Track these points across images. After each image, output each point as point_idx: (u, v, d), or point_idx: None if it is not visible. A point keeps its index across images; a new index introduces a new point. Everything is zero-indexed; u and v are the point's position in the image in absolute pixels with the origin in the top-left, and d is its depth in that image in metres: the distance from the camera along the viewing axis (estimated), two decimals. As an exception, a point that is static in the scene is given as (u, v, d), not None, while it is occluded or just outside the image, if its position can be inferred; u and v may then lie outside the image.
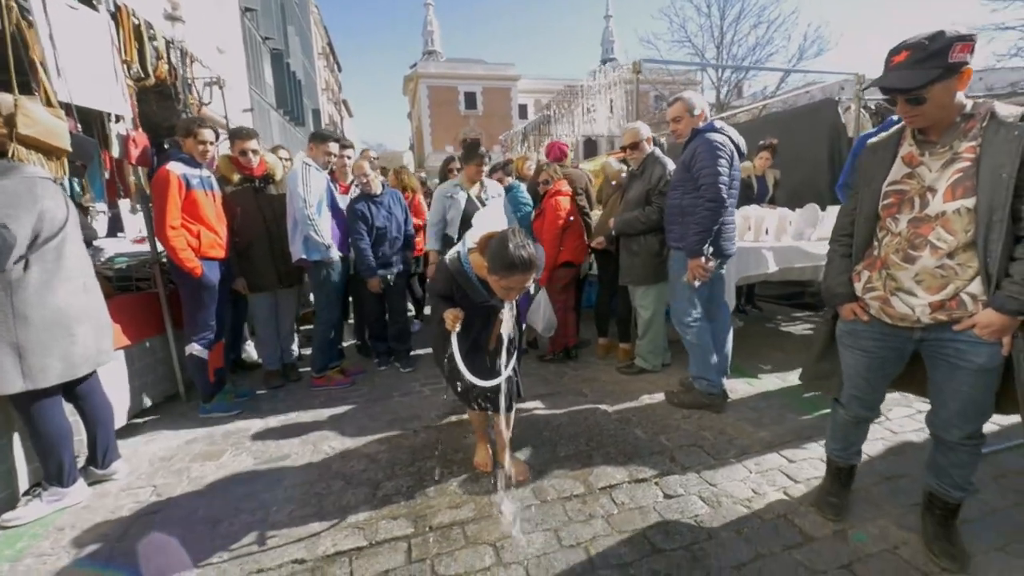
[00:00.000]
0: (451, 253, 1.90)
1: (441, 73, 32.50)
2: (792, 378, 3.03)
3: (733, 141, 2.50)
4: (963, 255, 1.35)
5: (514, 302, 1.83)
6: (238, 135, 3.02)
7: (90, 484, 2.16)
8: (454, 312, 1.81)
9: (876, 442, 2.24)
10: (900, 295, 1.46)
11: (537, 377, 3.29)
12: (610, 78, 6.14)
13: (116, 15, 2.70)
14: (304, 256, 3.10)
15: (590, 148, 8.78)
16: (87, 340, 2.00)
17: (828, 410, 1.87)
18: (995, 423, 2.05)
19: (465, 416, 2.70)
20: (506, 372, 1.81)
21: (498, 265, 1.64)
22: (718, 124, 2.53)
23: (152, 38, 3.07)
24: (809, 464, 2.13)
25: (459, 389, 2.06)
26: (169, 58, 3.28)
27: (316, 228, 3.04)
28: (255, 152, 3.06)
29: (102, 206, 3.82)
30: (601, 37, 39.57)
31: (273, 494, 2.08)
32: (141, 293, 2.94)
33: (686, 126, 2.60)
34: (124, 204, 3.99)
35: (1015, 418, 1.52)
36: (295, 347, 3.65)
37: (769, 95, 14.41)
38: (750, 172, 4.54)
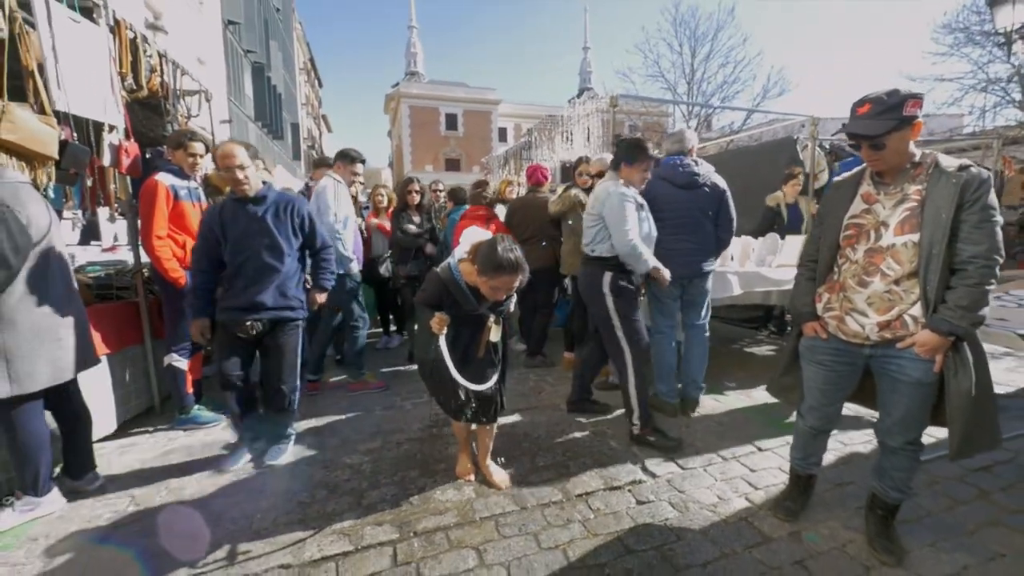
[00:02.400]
0: (442, 264, 2.02)
1: (423, 94, 33.01)
2: (755, 395, 3.24)
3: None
4: (907, 282, 1.56)
5: (500, 315, 1.96)
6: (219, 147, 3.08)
7: (65, 494, 2.12)
8: (440, 316, 1.89)
9: (829, 453, 2.40)
10: (854, 315, 1.66)
11: (516, 393, 3.39)
12: (588, 108, 6.47)
13: (115, 28, 2.76)
14: None
15: (567, 174, 9.13)
16: (73, 345, 2.00)
17: (787, 425, 2.05)
18: (931, 435, 2.27)
19: (447, 429, 2.77)
20: (495, 377, 1.92)
21: (487, 266, 1.77)
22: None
23: (147, 52, 3.13)
24: (768, 473, 2.29)
25: (444, 400, 2.15)
26: (162, 71, 3.33)
27: (343, 241, 3.18)
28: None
29: (77, 213, 3.78)
30: (579, 67, 41.16)
31: (255, 504, 2.10)
32: (121, 302, 2.92)
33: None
34: (103, 212, 3.94)
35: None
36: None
37: (736, 130, 15.29)
38: (779, 200, 4.79)
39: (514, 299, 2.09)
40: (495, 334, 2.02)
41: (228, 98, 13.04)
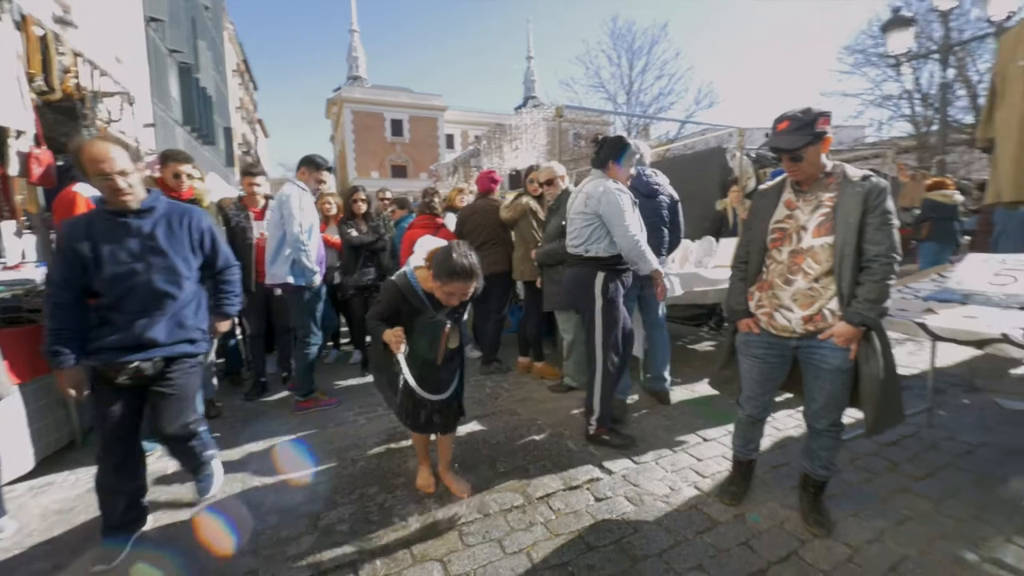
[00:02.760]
0: (397, 273, 2.00)
1: (366, 99, 32.27)
2: (699, 389, 3.44)
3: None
4: (825, 279, 1.74)
5: (457, 322, 1.97)
6: (174, 157, 2.88)
7: (-32, 545, 1.88)
8: (394, 332, 1.86)
9: (765, 439, 2.62)
10: (781, 311, 1.83)
11: (473, 400, 3.39)
12: (535, 117, 6.63)
13: (21, 24, 2.51)
14: (290, 280, 3.09)
15: (515, 181, 9.28)
16: None
17: (727, 415, 2.20)
18: (849, 416, 2.52)
19: (404, 442, 2.73)
20: (454, 385, 1.93)
21: (443, 272, 1.79)
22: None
23: (60, 50, 2.87)
24: (714, 462, 2.45)
25: (405, 413, 2.12)
26: (78, 72, 3.07)
27: (308, 253, 3.04)
28: (190, 177, 2.93)
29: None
30: (524, 76, 41.93)
31: (198, 539, 1.97)
32: (33, 326, 2.63)
33: (557, 188, 3.41)
34: (7, 226, 3.54)
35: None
36: (215, 381, 3.42)
37: (671, 139, 16.18)
38: (726, 205, 5.11)
39: (469, 306, 2.11)
40: (453, 340, 2.03)
41: (152, 100, 12.10)
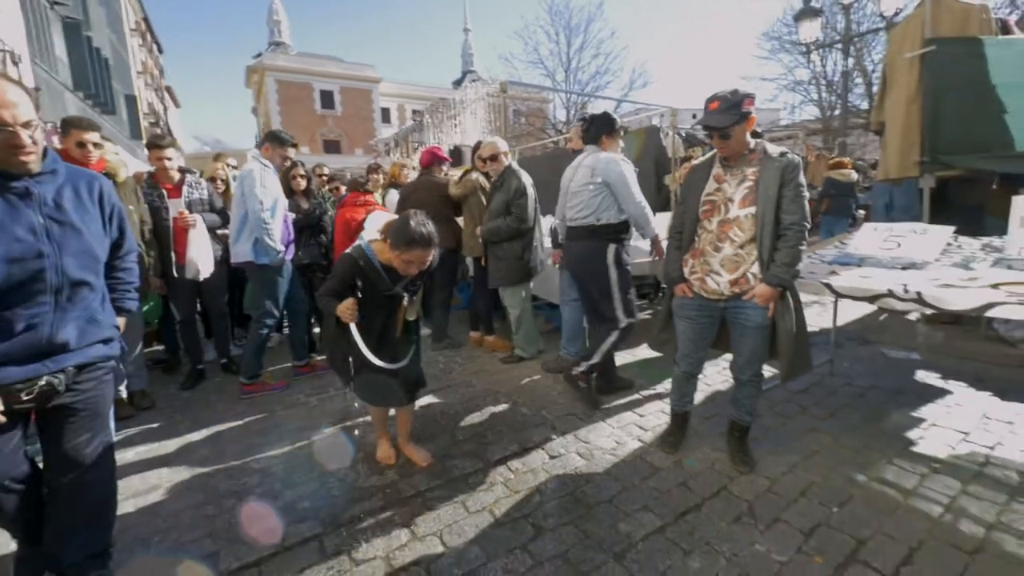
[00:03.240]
0: (353, 245, 1.98)
1: (292, 67, 29.96)
2: (640, 352, 3.69)
3: None
4: (749, 246, 1.94)
5: (414, 294, 1.99)
6: (76, 124, 2.55)
7: None
8: (346, 304, 1.86)
9: (698, 394, 2.90)
10: (712, 276, 2.02)
11: (428, 375, 3.39)
12: (479, 92, 6.55)
13: None
14: (252, 259, 3.03)
15: (456, 156, 9.16)
16: None
17: (664, 373, 2.41)
18: (769, 371, 2.85)
19: (360, 420, 2.73)
20: (410, 354, 1.97)
21: (400, 240, 1.80)
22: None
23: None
24: (654, 416, 2.69)
25: (362, 387, 2.13)
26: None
27: (270, 232, 2.95)
28: (96, 146, 2.62)
29: None
30: (461, 49, 40.69)
31: (152, 524, 1.90)
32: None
33: (500, 164, 3.44)
34: None
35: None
36: (143, 370, 3.18)
37: (609, 118, 16.57)
38: (675, 181, 5.35)
39: (426, 278, 2.13)
40: (411, 313, 2.05)
41: (32, 60, 10.50)
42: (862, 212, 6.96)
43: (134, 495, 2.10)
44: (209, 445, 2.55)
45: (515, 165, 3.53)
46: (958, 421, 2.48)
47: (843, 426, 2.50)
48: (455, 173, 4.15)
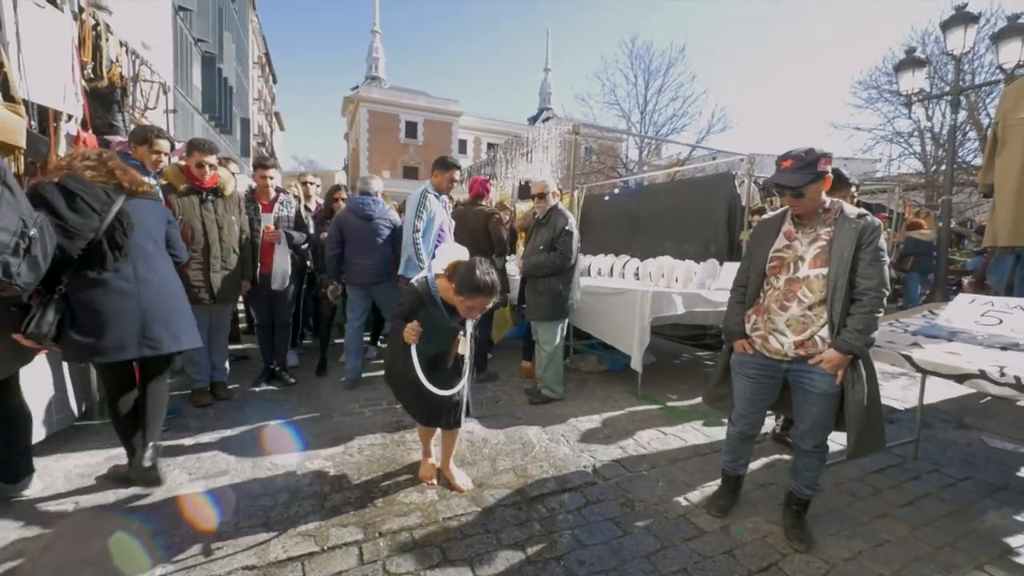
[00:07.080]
0: (419, 277, 2.13)
1: (383, 99, 32.68)
2: (694, 405, 3.54)
3: None
4: (818, 308, 1.86)
5: (471, 326, 2.09)
6: (199, 147, 3.02)
7: (-3, 500, 1.99)
8: (412, 326, 2.00)
9: (756, 460, 2.73)
10: (775, 335, 1.94)
11: (474, 403, 3.49)
12: (552, 133, 6.80)
13: (78, 15, 2.67)
14: (402, 273, 3.50)
15: (525, 191, 9.46)
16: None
17: (721, 433, 2.30)
18: (837, 443, 2.62)
19: (408, 435, 2.84)
20: (462, 383, 2.04)
21: (465, 287, 1.91)
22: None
23: (108, 40, 3.03)
24: (703, 475, 2.55)
25: (412, 406, 2.24)
26: (121, 61, 3.23)
27: (418, 251, 3.36)
28: (212, 167, 3.06)
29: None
30: (540, 87, 42.40)
31: (215, 508, 2.08)
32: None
33: (547, 202, 3.55)
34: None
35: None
36: (227, 364, 3.54)
37: (682, 160, 16.36)
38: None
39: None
40: (463, 347, 2.15)
41: (175, 88, 12.35)
42: (966, 279, 6.36)
43: (205, 476, 2.33)
44: (271, 440, 2.76)
45: (562, 206, 3.63)
46: (1073, 533, 2.13)
47: (924, 518, 2.23)
48: (520, 206, 4.30)
